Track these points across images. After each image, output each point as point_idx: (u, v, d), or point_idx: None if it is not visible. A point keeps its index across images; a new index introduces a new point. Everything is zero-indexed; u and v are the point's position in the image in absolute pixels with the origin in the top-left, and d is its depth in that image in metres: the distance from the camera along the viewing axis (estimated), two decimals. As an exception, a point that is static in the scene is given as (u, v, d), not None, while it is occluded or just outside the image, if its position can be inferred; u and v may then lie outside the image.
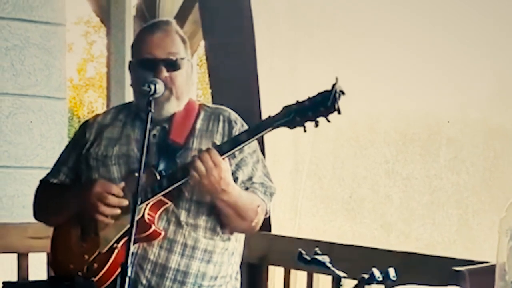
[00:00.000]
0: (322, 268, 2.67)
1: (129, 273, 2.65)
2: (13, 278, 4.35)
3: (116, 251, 2.95)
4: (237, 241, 3.17)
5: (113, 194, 2.95)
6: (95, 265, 2.98)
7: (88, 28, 21.05)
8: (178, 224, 2.99)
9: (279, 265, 4.37)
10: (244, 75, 4.72)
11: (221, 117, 3.11)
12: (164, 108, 3.02)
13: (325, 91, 2.69)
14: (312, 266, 2.70)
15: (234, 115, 3.14)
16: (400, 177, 5.28)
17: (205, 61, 4.92)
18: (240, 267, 3.24)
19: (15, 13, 4.88)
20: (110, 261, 2.95)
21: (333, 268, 2.64)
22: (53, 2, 5.01)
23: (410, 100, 5.28)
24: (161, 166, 2.96)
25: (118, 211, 2.95)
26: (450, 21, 5.10)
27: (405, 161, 5.30)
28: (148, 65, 3.02)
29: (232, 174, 2.99)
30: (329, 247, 3.64)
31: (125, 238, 2.90)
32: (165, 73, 2.99)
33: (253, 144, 3.09)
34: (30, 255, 4.32)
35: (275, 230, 4.54)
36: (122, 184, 2.98)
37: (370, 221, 5.28)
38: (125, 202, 2.94)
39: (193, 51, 5.47)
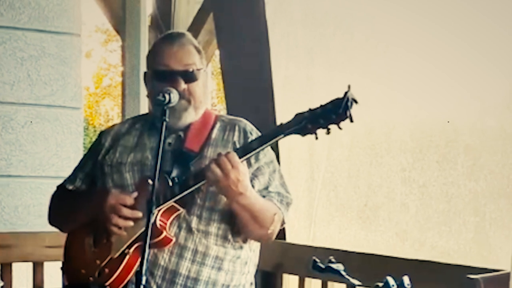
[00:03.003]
0: (337, 276, 2.66)
1: (143, 281, 2.66)
2: (29, 287, 4.37)
3: (127, 256, 2.96)
4: (252, 251, 3.16)
5: (127, 206, 2.96)
6: (107, 270, 2.98)
7: (106, 37, 21.14)
8: (189, 230, 2.99)
9: (293, 273, 4.36)
10: (259, 83, 4.72)
11: (236, 128, 3.12)
12: (182, 118, 3.04)
13: (337, 99, 2.69)
14: (327, 274, 2.69)
15: (250, 126, 3.15)
16: (416, 185, 5.25)
17: (220, 70, 4.92)
18: (255, 275, 3.23)
19: (31, 23, 4.91)
20: (122, 266, 2.96)
21: (347, 277, 2.64)
22: (68, 12, 5.03)
23: (426, 107, 5.25)
24: (174, 173, 2.96)
25: (131, 223, 2.95)
26: (466, 29, 5.08)
27: (422, 168, 5.27)
28: (165, 77, 3.02)
29: None
30: (343, 255, 3.63)
31: (137, 244, 2.93)
32: (183, 85, 3.01)
33: (270, 154, 3.10)
34: (46, 264, 4.33)
35: (290, 238, 4.53)
36: (135, 193, 2.98)
37: (385, 229, 5.25)
38: (139, 214, 2.94)
39: (208, 60, 5.49)
